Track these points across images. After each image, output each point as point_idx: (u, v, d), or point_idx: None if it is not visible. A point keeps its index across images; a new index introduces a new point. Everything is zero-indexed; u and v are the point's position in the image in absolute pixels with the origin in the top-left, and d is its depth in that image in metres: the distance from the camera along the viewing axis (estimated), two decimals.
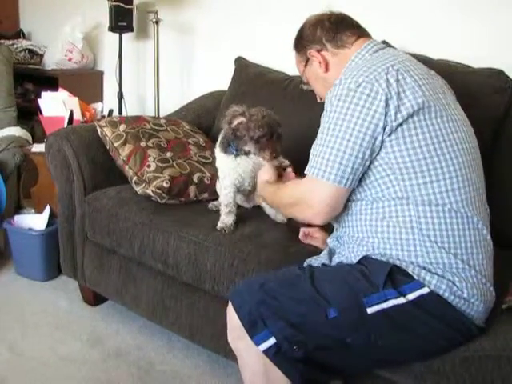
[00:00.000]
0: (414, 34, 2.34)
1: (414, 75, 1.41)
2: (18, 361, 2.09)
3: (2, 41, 3.60)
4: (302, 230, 1.84)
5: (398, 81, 1.37)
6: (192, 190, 2.14)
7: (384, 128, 1.35)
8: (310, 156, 1.45)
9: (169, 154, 2.21)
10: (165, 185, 2.06)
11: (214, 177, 2.20)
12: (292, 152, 2.31)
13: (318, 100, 1.71)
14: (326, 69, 1.60)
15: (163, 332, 2.23)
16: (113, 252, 2.20)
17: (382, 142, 1.37)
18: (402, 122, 1.35)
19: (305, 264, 1.61)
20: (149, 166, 2.13)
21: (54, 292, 2.60)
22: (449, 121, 1.41)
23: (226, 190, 1.92)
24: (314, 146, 1.45)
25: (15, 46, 3.77)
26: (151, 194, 2.07)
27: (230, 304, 1.42)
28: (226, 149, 1.87)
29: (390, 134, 1.36)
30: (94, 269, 2.30)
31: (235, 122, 1.79)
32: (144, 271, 2.10)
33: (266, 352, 1.34)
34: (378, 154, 1.38)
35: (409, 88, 1.37)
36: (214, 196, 2.19)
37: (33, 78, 3.74)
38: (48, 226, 2.66)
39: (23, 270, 2.72)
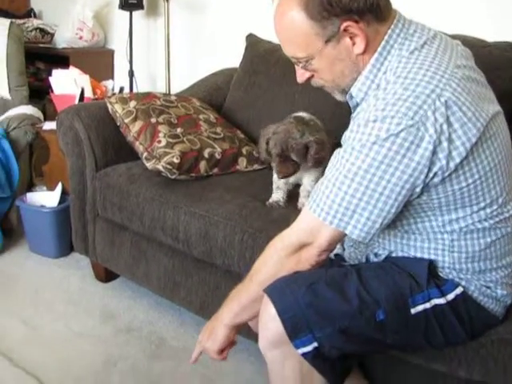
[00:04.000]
0: (427, 8, 2.30)
1: (466, 102, 1.15)
2: (32, 335, 2.12)
3: (13, 20, 3.59)
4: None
5: (447, 120, 1.12)
6: (203, 165, 2.13)
7: (426, 179, 1.15)
8: (321, 195, 1.21)
9: (179, 130, 2.20)
10: (175, 160, 2.05)
11: (225, 152, 2.20)
12: None
13: (300, 81, 1.33)
14: (365, 50, 1.22)
15: (174, 308, 2.24)
16: (124, 228, 2.20)
17: (423, 189, 1.18)
18: (454, 169, 1.16)
19: None
20: (159, 142, 2.12)
21: (66, 269, 2.62)
22: (494, 142, 1.21)
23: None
24: (327, 184, 1.20)
25: (26, 26, 3.76)
26: (162, 169, 2.06)
27: (265, 308, 1.27)
28: None
29: (436, 185, 1.18)
30: (105, 245, 2.30)
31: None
32: (155, 247, 2.11)
33: (304, 355, 1.25)
34: (415, 197, 1.21)
35: (460, 126, 1.13)
36: (225, 171, 2.20)
37: (44, 57, 3.74)
38: (60, 203, 2.67)
39: (36, 247, 2.74)
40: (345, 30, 1.19)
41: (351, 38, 1.20)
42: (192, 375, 1.91)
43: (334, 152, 1.25)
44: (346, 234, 1.22)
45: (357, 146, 1.16)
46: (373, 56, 1.23)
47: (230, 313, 1.38)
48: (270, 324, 1.25)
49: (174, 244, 1.99)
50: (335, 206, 1.18)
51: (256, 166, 2.29)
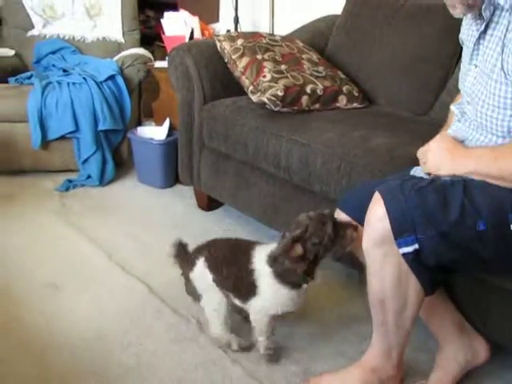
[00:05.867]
0: None
1: None
2: (141, 250, 2.34)
3: None
4: None
5: None
6: (304, 99, 2.23)
7: None
8: None
9: (283, 67, 2.30)
10: (279, 93, 2.16)
11: (327, 89, 2.29)
12: (409, 71, 2.36)
13: (454, 11, 1.39)
14: None
15: (272, 235, 2.37)
16: (228, 157, 2.35)
17: None
18: None
19: (412, 171, 1.58)
20: (264, 77, 2.24)
21: (171, 198, 2.84)
22: None
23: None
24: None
25: None
26: (266, 101, 2.17)
27: (374, 209, 1.35)
28: None
29: None
30: (209, 174, 2.47)
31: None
32: (257, 174, 2.24)
33: (404, 255, 1.33)
34: None
35: None
36: (325, 107, 2.28)
37: (153, 5, 3.94)
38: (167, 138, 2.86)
39: (144, 177, 2.96)
40: None
41: None
42: None
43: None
44: None
45: None
46: None
47: (482, 166, 1.35)
48: (377, 224, 1.34)
49: (276, 171, 2.11)
50: None
51: (356, 105, 2.36)
